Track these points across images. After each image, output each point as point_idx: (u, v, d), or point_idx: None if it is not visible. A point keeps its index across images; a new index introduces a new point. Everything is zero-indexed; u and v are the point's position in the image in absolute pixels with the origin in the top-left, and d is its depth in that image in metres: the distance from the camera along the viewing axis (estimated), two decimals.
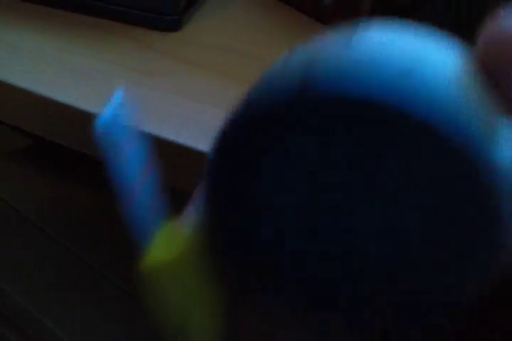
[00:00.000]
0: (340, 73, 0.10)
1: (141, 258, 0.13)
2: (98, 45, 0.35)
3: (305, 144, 0.11)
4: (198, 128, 0.31)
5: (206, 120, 0.32)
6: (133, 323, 0.51)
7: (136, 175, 0.13)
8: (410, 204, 0.11)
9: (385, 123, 0.10)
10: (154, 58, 0.36)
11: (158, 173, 0.14)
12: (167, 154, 0.30)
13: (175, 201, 0.21)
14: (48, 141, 0.33)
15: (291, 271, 0.12)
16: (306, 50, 0.11)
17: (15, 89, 0.32)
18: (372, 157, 0.10)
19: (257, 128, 0.11)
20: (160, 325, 0.13)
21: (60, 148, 0.65)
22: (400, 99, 0.10)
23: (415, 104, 0.10)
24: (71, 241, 0.60)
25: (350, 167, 0.11)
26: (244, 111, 0.11)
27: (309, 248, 0.11)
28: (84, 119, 0.32)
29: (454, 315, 0.12)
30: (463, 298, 0.11)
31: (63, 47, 0.35)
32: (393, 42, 0.11)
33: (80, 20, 0.38)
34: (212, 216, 0.12)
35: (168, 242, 0.13)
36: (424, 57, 0.11)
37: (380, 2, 0.38)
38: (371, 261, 0.11)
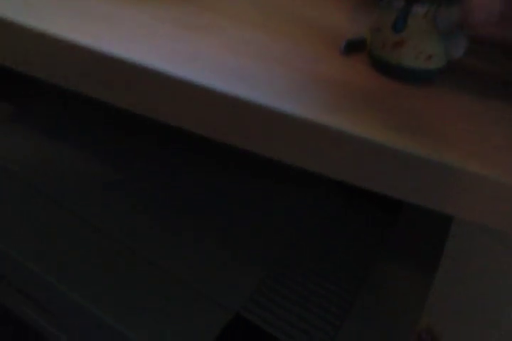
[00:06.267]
0: None
1: None
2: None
3: None
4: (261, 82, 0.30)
5: (260, 73, 0.31)
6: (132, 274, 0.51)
7: None
8: None
9: None
10: (195, 12, 0.35)
11: None
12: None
13: None
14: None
15: None
16: None
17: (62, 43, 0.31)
18: None
19: None
20: None
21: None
22: None
23: None
24: (60, 195, 0.59)
25: None
26: None
27: None
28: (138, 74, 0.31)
29: None
30: None
31: (108, 1, 0.34)
32: None
33: None
34: None
35: None
36: None
37: None
38: None
